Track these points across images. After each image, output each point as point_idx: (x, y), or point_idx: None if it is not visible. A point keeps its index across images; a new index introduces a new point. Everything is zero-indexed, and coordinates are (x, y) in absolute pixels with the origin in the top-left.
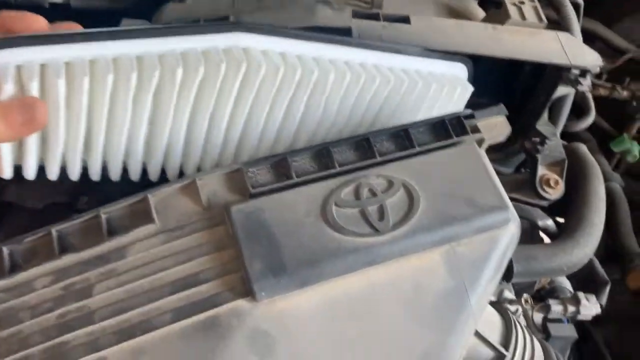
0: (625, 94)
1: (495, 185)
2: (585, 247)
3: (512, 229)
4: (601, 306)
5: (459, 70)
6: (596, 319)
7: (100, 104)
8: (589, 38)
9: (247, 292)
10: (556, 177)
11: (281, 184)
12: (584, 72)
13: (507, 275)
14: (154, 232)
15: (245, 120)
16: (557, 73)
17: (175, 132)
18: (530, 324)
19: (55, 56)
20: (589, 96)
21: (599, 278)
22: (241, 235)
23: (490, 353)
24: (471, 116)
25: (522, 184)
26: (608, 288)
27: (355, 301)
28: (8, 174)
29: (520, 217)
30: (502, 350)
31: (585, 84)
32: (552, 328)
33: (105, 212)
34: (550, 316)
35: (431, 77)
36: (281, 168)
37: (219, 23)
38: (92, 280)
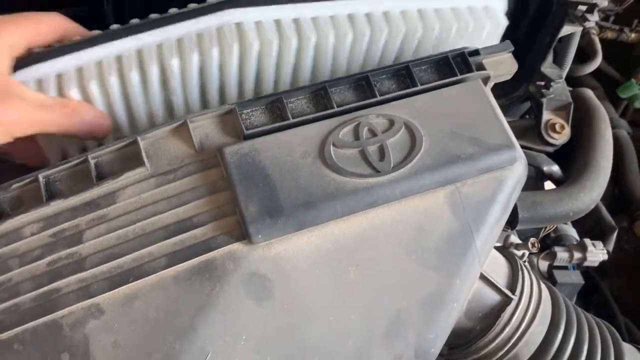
0: (633, 36)
1: (501, 123)
2: (591, 191)
3: (519, 169)
4: (608, 252)
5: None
6: (604, 270)
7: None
8: None
9: (243, 235)
10: (562, 121)
11: (277, 125)
12: (591, 8)
13: (513, 222)
14: (145, 176)
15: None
16: (563, 9)
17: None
18: (535, 272)
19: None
20: (596, 39)
21: (606, 224)
22: (235, 177)
23: (496, 296)
24: (476, 53)
25: (527, 129)
26: (615, 234)
27: (356, 243)
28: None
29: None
30: (509, 293)
31: (592, 19)
32: (558, 275)
33: (94, 157)
34: (557, 263)
35: (451, 17)
36: (276, 109)
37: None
38: (82, 227)
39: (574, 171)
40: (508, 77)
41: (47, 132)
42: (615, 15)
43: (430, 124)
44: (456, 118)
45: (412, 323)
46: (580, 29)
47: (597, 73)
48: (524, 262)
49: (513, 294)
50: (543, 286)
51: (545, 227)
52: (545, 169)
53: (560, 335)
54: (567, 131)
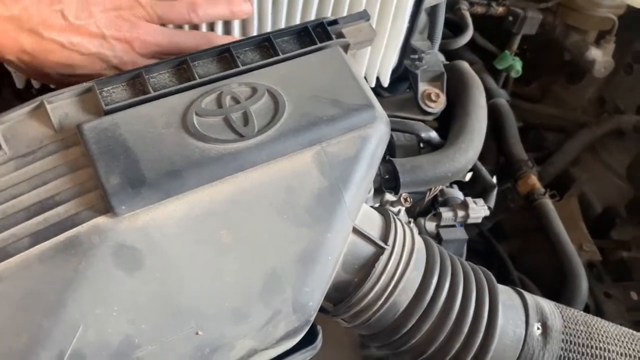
0: (500, 10)
1: (360, 85)
2: (466, 152)
3: (381, 127)
4: (489, 208)
5: None
6: (502, 234)
7: None
8: None
9: (106, 208)
10: (437, 90)
11: (137, 99)
12: None
13: (395, 187)
14: (3, 160)
15: None
16: None
17: None
18: (424, 233)
19: None
20: (466, 14)
21: (486, 182)
22: (95, 152)
23: (370, 248)
24: (335, 22)
25: (406, 101)
26: (495, 191)
27: (226, 207)
28: None
29: (404, 131)
30: (382, 244)
31: None
32: (443, 232)
33: None
34: (443, 223)
35: None
36: (138, 84)
37: None
38: None
39: (450, 135)
40: (369, 44)
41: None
42: None
43: (292, 90)
44: (317, 83)
45: (287, 279)
46: (442, 0)
47: (476, 48)
48: (399, 215)
49: (385, 244)
50: (417, 237)
51: (430, 190)
52: (423, 135)
53: (435, 280)
54: (443, 99)
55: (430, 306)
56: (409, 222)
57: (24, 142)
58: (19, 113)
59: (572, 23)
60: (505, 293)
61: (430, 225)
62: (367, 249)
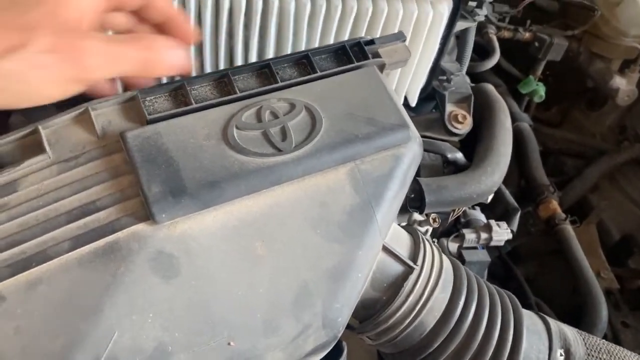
0: (527, 35)
1: (395, 105)
2: (492, 174)
3: (414, 147)
4: (512, 232)
5: None
6: (518, 256)
7: None
8: None
9: (147, 215)
10: (464, 112)
11: (180, 110)
12: (480, 3)
13: (421, 206)
14: (46, 164)
15: None
16: (456, 6)
17: None
18: (447, 253)
19: None
20: (494, 38)
21: (509, 206)
22: (138, 160)
23: (399, 267)
24: (371, 42)
25: (433, 122)
26: (518, 215)
27: (261, 220)
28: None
29: (430, 151)
30: (411, 263)
31: (481, 13)
32: (466, 254)
33: None
34: (466, 245)
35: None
36: (180, 95)
37: None
38: None
39: (476, 158)
40: (403, 64)
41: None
42: (511, 17)
43: (329, 107)
44: (353, 101)
45: (318, 294)
46: (474, 24)
47: (500, 72)
48: (427, 236)
49: (415, 263)
50: (445, 257)
51: (454, 211)
52: (449, 156)
53: (462, 301)
54: (469, 121)
55: (456, 328)
56: (426, 231)
57: (67, 147)
58: (64, 119)
59: (597, 51)
60: (529, 318)
61: (453, 246)
62: (396, 268)
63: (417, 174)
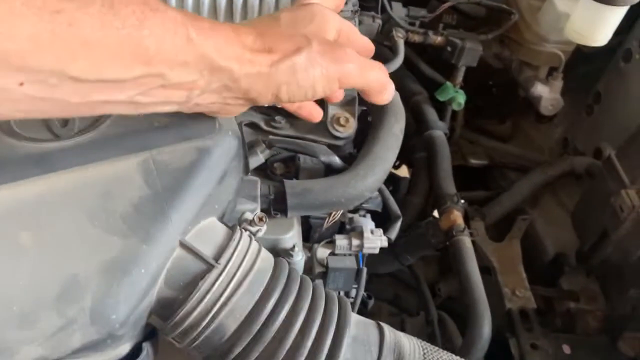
0: (438, 39)
1: None
2: (364, 178)
3: (226, 140)
4: (389, 240)
5: None
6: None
7: None
8: None
9: None
10: (347, 115)
11: None
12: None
13: (283, 209)
14: None
15: None
16: None
17: None
18: (313, 259)
19: None
20: (400, 41)
21: (391, 212)
22: None
23: (199, 265)
24: None
25: (317, 125)
26: (399, 223)
27: (31, 208)
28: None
29: (304, 153)
30: (212, 261)
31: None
32: (331, 260)
33: None
34: (338, 251)
35: None
36: None
37: None
38: None
39: (356, 160)
40: None
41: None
42: (428, 22)
43: None
44: None
45: (89, 287)
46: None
47: (423, 79)
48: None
49: (217, 262)
50: (266, 258)
51: (330, 216)
52: (323, 158)
53: (270, 305)
54: (352, 124)
55: (260, 333)
56: (257, 231)
57: None
58: None
59: (522, 58)
60: (362, 327)
61: (323, 253)
62: (195, 266)
63: (296, 176)
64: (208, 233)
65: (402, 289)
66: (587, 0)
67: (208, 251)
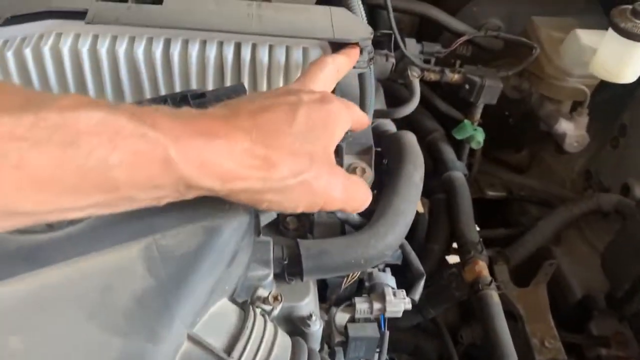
0: (456, 77)
1: None
2: (384, 237)
3: (237, 217)
4: (413, 301)
5: None
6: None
7: None
8: (425, 22)
9: None
10: (364, 165)
11: None
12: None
13: (298, 273)
14: None
15: None
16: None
17: None
18: (332, 327)
19: None
20: (415, 81)
21: (413, 270)
22: None
23: (210, 358)
24: (202, 95)
25: None
26: (422, 281)
27: (21, 308)
28: None
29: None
30: (223, 355)
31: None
32: (351, 329)
33: None
34: (358, 315)
35: None
36: None
37: None
38: None
39: (373, 217)
40: None
41: None
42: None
43: None
44: None
45: None
46: (366, 69)
47: (440, 116)
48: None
49: (230, 355)
50: (282, 343)
51: (348, 277)
52: (339, 214)
53: None
54: (369, 174)
55: None
56: (272, 309)
57: None
58: None
59: (543, 92)
60: None
61: (342, 318)
62: None
63: (310, 231)
64: (218, 320)
65: (422, 339)
66: (614, 35)
67: (219, 342)
